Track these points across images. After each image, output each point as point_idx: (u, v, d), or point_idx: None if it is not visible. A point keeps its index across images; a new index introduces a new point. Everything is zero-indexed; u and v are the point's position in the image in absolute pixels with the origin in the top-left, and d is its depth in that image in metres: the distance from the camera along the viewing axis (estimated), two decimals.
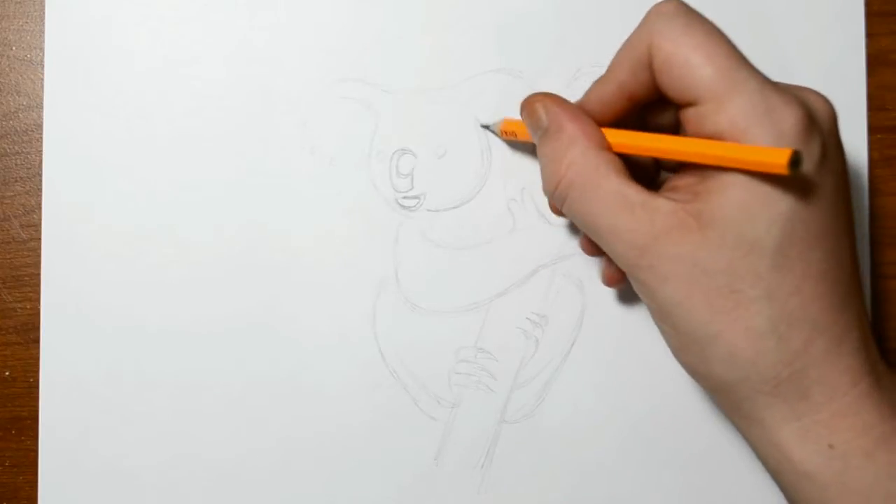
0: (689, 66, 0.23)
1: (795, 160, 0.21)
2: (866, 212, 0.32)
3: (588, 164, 0.25)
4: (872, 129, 0.32)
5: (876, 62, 0.32)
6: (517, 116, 0.29)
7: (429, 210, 0.32)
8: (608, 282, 0.31)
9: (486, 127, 0.32)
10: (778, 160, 0.21)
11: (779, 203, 0.22)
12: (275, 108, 0.32)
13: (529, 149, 0.32)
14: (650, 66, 0.24)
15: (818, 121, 0.23)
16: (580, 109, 0.26)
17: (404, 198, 0.32)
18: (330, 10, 0.32)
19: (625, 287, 0.32)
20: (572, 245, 0.32)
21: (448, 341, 0.32)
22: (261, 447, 0.32)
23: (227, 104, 0.32)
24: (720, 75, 0.23)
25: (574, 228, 0.32)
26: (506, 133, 0.31)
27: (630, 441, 0.32)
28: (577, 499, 0.32)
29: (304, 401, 0.32)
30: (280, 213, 0.32)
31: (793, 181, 0.22)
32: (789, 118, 0.22)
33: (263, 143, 0.32)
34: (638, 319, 0.32)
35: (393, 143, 0.32)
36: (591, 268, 0.32)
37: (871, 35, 0.32)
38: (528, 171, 0.32)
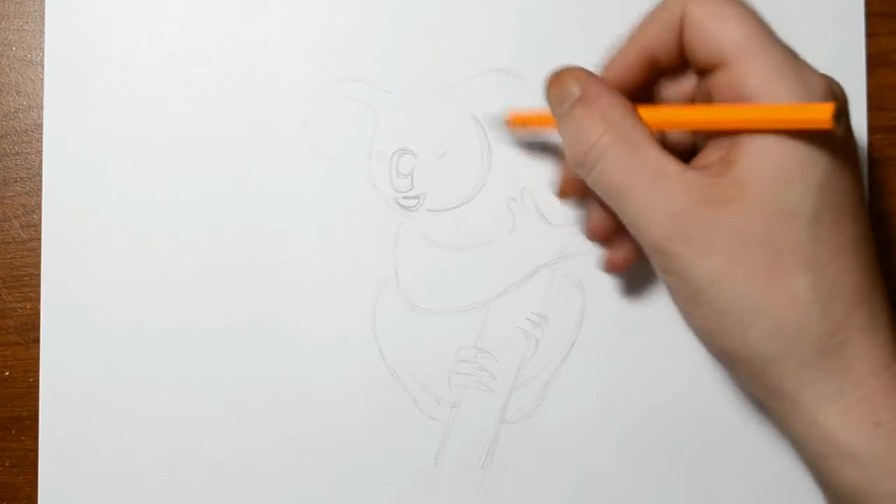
0: (718, 28, 0.23)
1: (839, 113, 0.21)
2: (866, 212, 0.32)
3: (625, 131, 0.24)
4: (872, 129, 0.32)
5: (876, 62, 0.32)
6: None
7: (429, 210, 0.32)
8: (614, 266, 0.30)
9: (490, 122, 0.31)
10: (822, 115, 0.21)
11: (814, 168, 0.22)
12: (275, 108, 0.32)
13: (530, 147, 0.32)
14: (679, 29, 0.24)
15: (835, 92, 0.24)
16: (609, 83, 0.26)
17: (404, 198, 0.32)
18: (330, 10, 0.32)
19: (625, 281, 0.32)
20: (572, 245, 0.32)
21: (448, 341, 0.32)
22: (261, 447, 0.32)
23: (227, 104, 0.32)
24: (749, 37, 0.23)
25: (574, 228, 0.32)
26: (513, 124, 0.30)
27: (630, 441, 0.32)
28: (577, 499, 0.32)
29: (304, 401, 0.32)
30: (280, 213, 0.32)
31: (824, 145, 0.22)
32: (817, 80, 0.23)
33: (263, 142, 0.32)
34: (638, 319, 0.32)
35: (393, 143, 0.32)
36: (591, 268, 0.32)
37: (871, 35, 0.32)
38: (528, 171, 0.32)
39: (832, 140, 0.22)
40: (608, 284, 0.32)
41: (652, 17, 0.26)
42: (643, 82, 0.27)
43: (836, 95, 0.24)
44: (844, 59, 0.32)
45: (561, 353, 0.32)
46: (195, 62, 0.32)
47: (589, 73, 0.26)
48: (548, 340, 0.32)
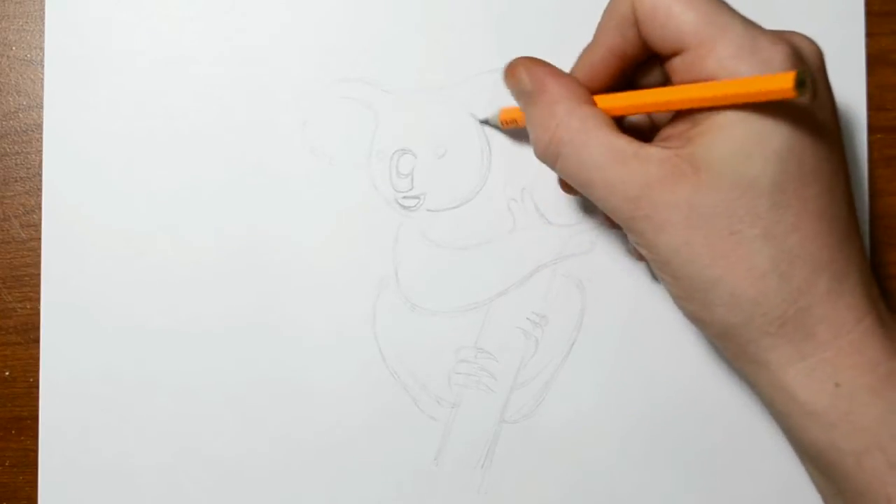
0: (672, 13, 0.23)
1: (801, 80, 0.21)
2: (866, 212, 0.32)
3: (575, 121, 0.25)
4: (872, 129, 0.32)
5: (876, 62, 0.32)
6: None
7: (429, 210, 0.32)
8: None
9: (485, 122, 0.32)
10: (783, 84, 0.21)
11: (772, 139, 0.22)
12: (275, 108, 0.32)
13: (530, 147, 0.32)
14: (635, 23, 0.24)
15: (805, 58, 0.23)
16: (563, 71, 0.26)
17: (404, 198, 0.32)
18: (330, 10, 0.32)
19: (625, 281, 0.32)
20: (572, 245, 0.32)
21: (448, 341, 0.32)
22: (261, 447, 0.32)
23: (227, 104, 0.32)
24: (704, 19, 0.23)
25: (574, 228, 0.32)
26: (505, 122, 0.31)
27: (630, 441, 0.32)
28: (577, 499, 0.32)
29: (304, 401, 0.32)
30: (280, 213, 0.32)
31: (786, 114, 0.22)
32: (777, 55, 0.22)
33: (263, 142, 0.32)
34: (638, 319, 0.32)
35: (393, 143, 0.32)
36: (591, 268, 0.32)
37: (871, 35, 0.32)
38: (528, 170, 0.32)
39: (795, 108, 0.22)
40: (608, 284, 0.32)
41: (607, 15, 0.26)
42: (617, 77, 0.26)
43: (805, 58, 0.23)
44: (844, 59, 0.32)
45: (561, 353, 0.32)
46: (195, 62, 0.32)
47: (538, 62, 0.27)
48: (548, 340, 0.32)
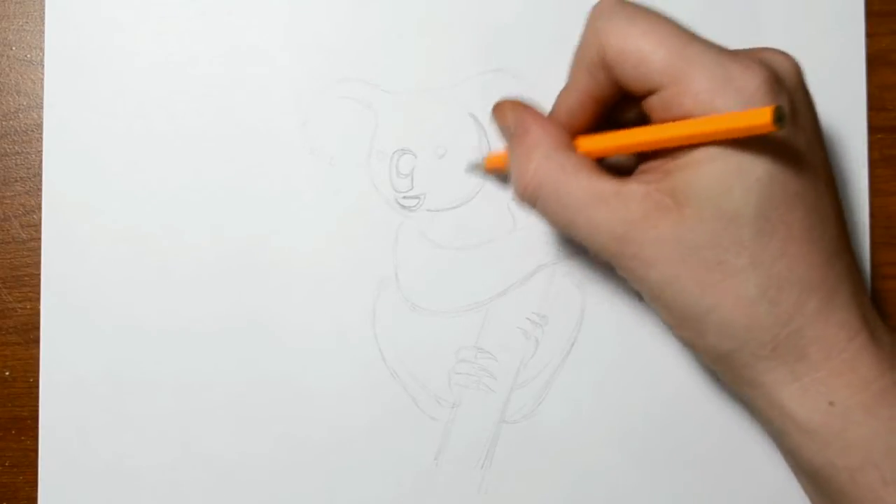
0: (640, 54, 0.23)
1: (779, 115, 0.20)
2: (866, 212, 0.32)
3: (553, 166, 0.25)
4: (872, 129, 0.32)
5: (876, 62, 0.32)
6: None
7: (429, 210, 0.32)
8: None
9: (471, 169, 0.31)
10: (761, 120, 0.20)
11: (754, 169, 0.22)
12: (275, 108, 0.32)
13: None
14: (605, 66, 0.24)
15: (783, 79, 0.23)
16: (545, 116, 0.26)
17: (404, 198, 0.32)
18: (330, 10, 0.32)
19: (625, 281, 0.32)
20: (572, 245, 0.32)
21: (448, 341, 0.32)
22: (261, 447, 0.32)
23: (227, 104, 0.32)
24: (673, 56, 0.23)
25: None
26: (490, 171, 0.31)
27: (630, 441, 0.32)
28: (577, 499, 0.32)
29: (304, 401, 0.32)
30: (280, 213, 0.32)
31: (765, 144, 0.22)
32: (752, 81, 0.22)
33: (263, 142, 0.32)
34: (638, 319, 0.32)
35: (393, 143, 0.32)
36: (591, 268, 0.32)
37: (871, 35, 0.32)
38: None
39: (775, 136, 0.22)
40: (608, 284, 0.32)
41: (577, 59, 0.25)
42: (597, 116, 0.26)
43: (781, 77, 0.23)
44: (844, 59, 0.32)
45: (561, 353, 0.32)
46: (195, 62, 0.32)
47: (521, 106, 0.27)
48: (548, 340, 0.32)
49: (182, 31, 0.32)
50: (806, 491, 0.27)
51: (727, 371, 0.25)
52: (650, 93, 0.23)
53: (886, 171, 0.33)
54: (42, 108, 0.32)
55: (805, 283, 0.23)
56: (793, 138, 0.23)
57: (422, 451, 0.32)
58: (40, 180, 0.32)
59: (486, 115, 0.32)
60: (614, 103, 0.26)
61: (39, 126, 0.32)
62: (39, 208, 0.32)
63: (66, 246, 0.31)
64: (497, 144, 0.32)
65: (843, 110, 0.32)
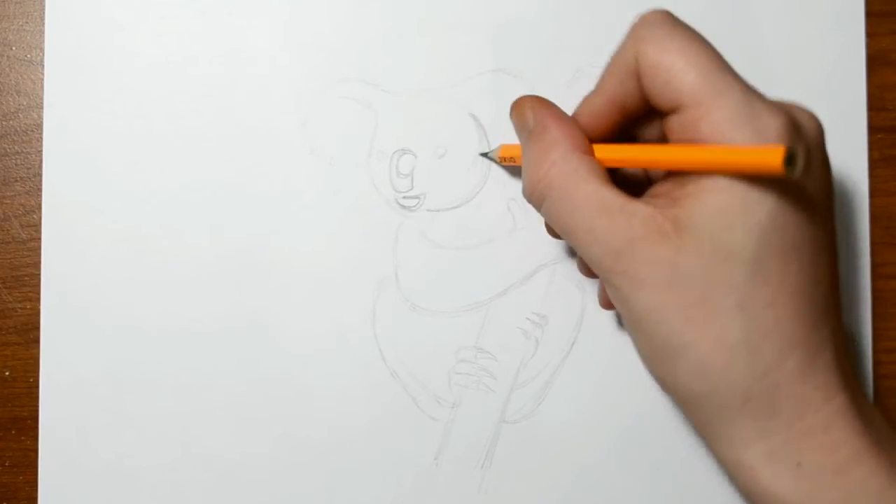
0: (672, 71, 0.23)
1: (790, 158, 0.20)
2: (866, 212, 0.32)
3: (568, 167, 0.25)
4: (872, 129, 0.32)
5: (876, 62, 0.32)
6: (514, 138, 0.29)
7: (429, 210, 0.32)
8: (605, 304, 0.30)
9: (485, 155, 0.32)
10: (772, 159, 0.20)
11: (757, 211, 0.22)
12: (275, 108, 0.32)
13: None
14: (637, 75, 0.24)
15: (803, 131, 0.23)
16: (568, 115, 0.26)
17: (404, 198, 0.32)
18: (330, 10, 0.32)
19: None
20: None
21: (448, 341, 0.32)
22: (261, 447, 0.32)
23: (227, 104, 0.32)
24: (703, 80, 0.22)
25: None
26: (504, 159, 0.31)
27: (629, 441, 0.32)
28: (577, 499, 0.32)
29: (304, 401, 0.32)
30: (280, 213, 0.32)
31: (773, 187, 0.22)
32: (773, 124, 0.22)
33: (263, 142, 0.32)
34: None
35: (393, 143, 0.32)
36: None
37: (871, 35, 0.32)
38: None
39: (784, 182, 0.22)
40: None
41: (611, 63, 0.25)
42: (618, 127, 0.26)
43: (804, 133, 0.23)
44: (844, 59, 0.32)
45: (561, 353, 0.32)
46: (195, 62, 0.32)
47: (545, 104, 0.26)
48: (548, 340, 0.32)
49: (182, 31, 0.32)
50: None
51: (695, 416, 0.25)
52: (672, 111, 0.23)
53: (886, 171, 0.33)
54: (42, 108, 0.32)
55: (789, 339, 0.22)
56: (802, 190, 0.22)
57: (422, 451, 0.32)
58: (40, 180, 0.32)
59: (486, 115, 0.32)
60: (636, 118, 0.26)
61: (39, 126, 0.32)
62: (39, 208, 0.32)
63: (66, 246, 0.31)
64: (497, 145, 0.32)
65: (843, 110, 0.32)
